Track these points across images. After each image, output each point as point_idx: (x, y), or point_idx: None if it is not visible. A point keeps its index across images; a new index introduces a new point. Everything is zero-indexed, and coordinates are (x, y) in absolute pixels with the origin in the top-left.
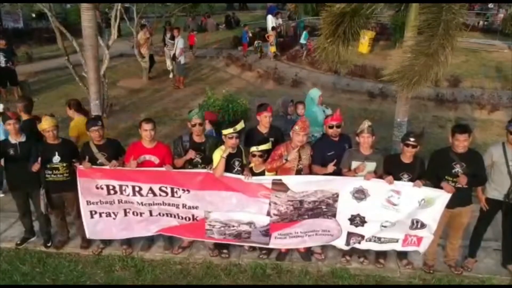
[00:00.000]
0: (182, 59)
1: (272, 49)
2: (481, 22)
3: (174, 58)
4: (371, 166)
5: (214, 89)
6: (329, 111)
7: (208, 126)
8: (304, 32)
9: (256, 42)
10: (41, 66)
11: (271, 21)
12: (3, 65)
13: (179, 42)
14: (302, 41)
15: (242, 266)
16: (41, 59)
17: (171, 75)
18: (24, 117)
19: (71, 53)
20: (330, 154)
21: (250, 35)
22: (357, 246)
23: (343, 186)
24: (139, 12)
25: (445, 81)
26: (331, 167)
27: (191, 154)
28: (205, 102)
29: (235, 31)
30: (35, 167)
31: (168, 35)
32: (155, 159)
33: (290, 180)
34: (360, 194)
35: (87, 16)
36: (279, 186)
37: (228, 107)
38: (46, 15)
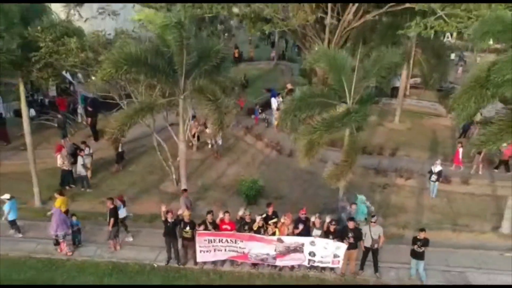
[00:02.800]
0: (220, 141)
1: (276, 122)
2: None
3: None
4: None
5: (237, 159)
6: (372, 208)
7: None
8: None
9: (264, 114)
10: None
11: (274, 102)
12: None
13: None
14: None
15: (266, 272)
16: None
17: (209, 146)
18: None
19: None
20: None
21: (260, 111)
22: (312, 264)
23: (305, 240)
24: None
25: (388, 149)
26: (298, 230)
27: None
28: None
29: (247, 91)
30: (180, 233)
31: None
32: (230, 227)
33: (284, 238)
34: (312, 244)
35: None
36: (280, 240)
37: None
38: None
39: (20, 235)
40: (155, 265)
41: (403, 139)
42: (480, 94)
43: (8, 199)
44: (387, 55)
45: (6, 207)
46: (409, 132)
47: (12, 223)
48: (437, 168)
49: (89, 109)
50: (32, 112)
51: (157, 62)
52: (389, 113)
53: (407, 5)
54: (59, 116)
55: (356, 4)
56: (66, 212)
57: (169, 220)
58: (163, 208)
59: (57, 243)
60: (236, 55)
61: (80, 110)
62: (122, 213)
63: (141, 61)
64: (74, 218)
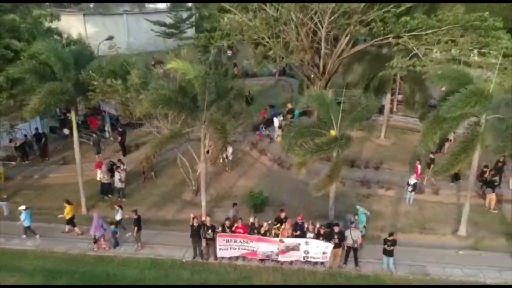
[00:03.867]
0: (230, 157)
1: (278, 138)
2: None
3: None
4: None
5: (245, 172)
6: (368, 213)
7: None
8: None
9: (267, 131)
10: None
11: (276, 121)
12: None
13: (229, 149)
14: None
15: (270, 266)
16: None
17: (221, 160)
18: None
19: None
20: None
21: (265, 130)
22: (307, 259)
23: (301, 241)
24: None
25: (373, 162)
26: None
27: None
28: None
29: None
30: (203, 235)
31: None
32: (243, 231)
33: (285, 239)
34: (307, 244)
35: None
36: (281, 241)
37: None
38: None
39: (37, 237)
40: (184, 260)
41: (387, 153)
42: (441, 127)
43: (24, 210)
44: (364, 103)
45: (22, 216)
46: (393, 147)
47: (27, 229)
48: (412, 180)
49: (120, 129)
50: (66, 131)
51: (184, 100)
52: (377, 129)
53: (390, 39)
54: (94, 135)
55: (348, 37)
56: (73, 217)
57: (195, 224)
58: (191, 215)
59: (95, 241)
60: (236, 72)
61: (107, 127)
62: (118, 216)
63: (172, 100)
64: (112, 226)
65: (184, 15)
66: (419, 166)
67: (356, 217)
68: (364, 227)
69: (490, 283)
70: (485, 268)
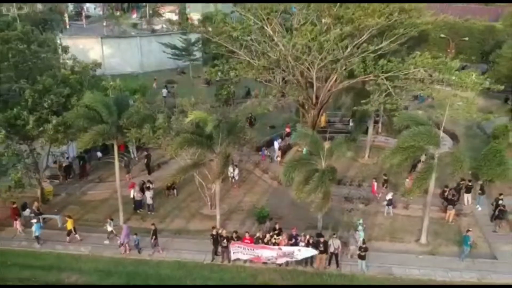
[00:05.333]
0: (237, 177)
1: (278, 158)
2: None
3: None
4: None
5: (250, 189)
6: (363, 225)
7: None
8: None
9: (268, 152)
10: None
11: (276, 144)
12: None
13: (235, 171)
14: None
15: (271, 267)
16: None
17: (230, 179)
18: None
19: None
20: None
21: (266, 151)
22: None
23: (295, 248)
24: None
25: (357, 180)
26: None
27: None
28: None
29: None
30: (220, 243)
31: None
32: (249, 241)
33: (282, 247)
34: (299, 250)
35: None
36: (279, 249)
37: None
38: None
39: (39, 246)
40: (204, 262)
41: (369, 172)
42: (402, 155)
43: (35, 222)
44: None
45: (34, 228)
46: (374, 166)
47: (37, 238)
48: (388, 196)
49: (145, 152)
50: (99, 154)
51: (202, 139)
52: (363, 149)
53: (371, 77)
54: (125, 158)
55: (336, 75)
56: (73, 229)
57: (214, 234)
58: (212, 227)
59: (121, 245)
60: (256, 93)
61: (132, 149)
62: (109, 227)
63: (194, 141)
64: (135, 236)
65: (193, 38)
66: (375, 184)
67: (357, 232)
68: (363, 240)
69: (440, 280)
70: (437, 269)
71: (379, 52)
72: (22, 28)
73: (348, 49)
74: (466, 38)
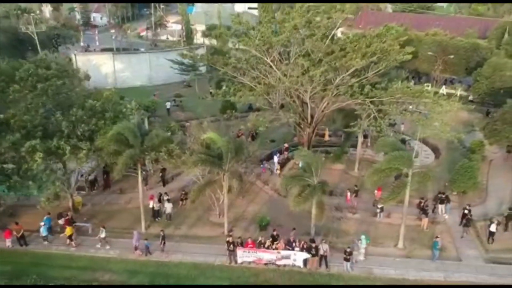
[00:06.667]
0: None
1: (278, 171)
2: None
3: None
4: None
5: (253, 199)
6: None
7: None
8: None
9: (268, 164)
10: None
11: (275, 158)
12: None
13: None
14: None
15: (271, 268)
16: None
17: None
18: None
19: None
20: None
21: (267, 165)
22: (294, 263)
23: (291, 252)
24: None
25: (346, 191)
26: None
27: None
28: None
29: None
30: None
31: None
32: (252, 245)
33: (281, 251)
34: (295, 254)
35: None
36: (278, 252)
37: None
38: None
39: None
40: (215, 264)
41: (358, 184)
42: (381, 174)
43: (42, 225)
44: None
45: (41, 229)
46: (362, 178)
47: (44, 238)
48: (380, 204)
49: (161, 166)
50: None
51: (214, 159)
52: (353, 162)
53: (359, 101)
54: (144, 172)
55: (328, 98)
56: (72, 235)
57: (229, 240)
58: (227, 234)
59: (135, 249)
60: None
61: (148, 163)
62: (103, 234)
63: (207, 161)
64: (146, 241)
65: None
66: (348, 194)
67: (360, 241)
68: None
69: (412, 280)
70: (410, 269)
71: (363, 82)
72: (56, 65)
73: (337, 80)
74: (452, 56)
